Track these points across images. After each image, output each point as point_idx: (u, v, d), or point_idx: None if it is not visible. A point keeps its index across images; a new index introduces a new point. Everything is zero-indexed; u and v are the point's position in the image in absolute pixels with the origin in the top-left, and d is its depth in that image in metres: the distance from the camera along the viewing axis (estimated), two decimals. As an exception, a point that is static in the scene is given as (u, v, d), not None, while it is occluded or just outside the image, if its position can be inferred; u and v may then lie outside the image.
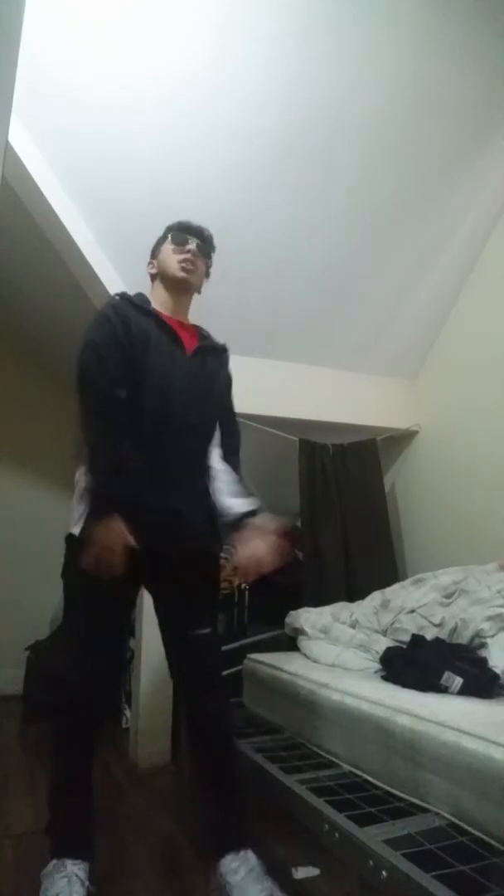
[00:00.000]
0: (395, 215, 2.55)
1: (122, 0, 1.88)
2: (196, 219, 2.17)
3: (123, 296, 1.53)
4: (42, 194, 2.13)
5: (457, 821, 1.05)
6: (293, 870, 1.44)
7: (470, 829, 1.02)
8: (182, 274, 1.51)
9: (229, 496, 1.47)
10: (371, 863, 0.97)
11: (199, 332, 1.58)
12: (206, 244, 1.57)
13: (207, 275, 1.61)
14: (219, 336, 1.65)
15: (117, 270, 2.40)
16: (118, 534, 1.23)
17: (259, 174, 2.29)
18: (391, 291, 2.81)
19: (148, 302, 1.53)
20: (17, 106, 1.46)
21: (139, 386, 1.38)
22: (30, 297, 3.15)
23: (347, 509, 2.85)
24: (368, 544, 2.81)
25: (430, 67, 2.18)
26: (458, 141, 2.42)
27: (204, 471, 1.49)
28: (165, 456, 1.38)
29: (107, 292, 2.40)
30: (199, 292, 1.60)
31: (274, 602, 2.59)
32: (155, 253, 1.59)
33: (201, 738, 1.46)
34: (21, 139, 2.01)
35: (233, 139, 2.19)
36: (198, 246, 1.54)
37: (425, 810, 1.12)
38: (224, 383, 1.60)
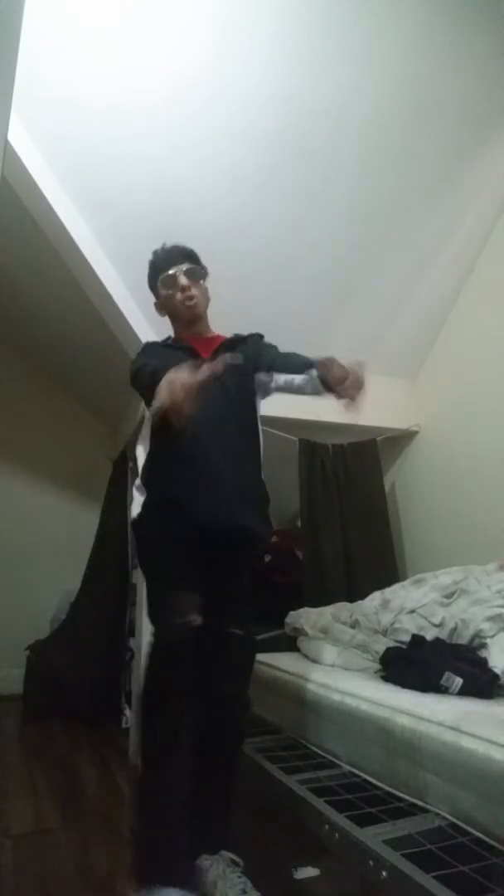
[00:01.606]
0: (395, 215, 2.55)
1: (123, 1, 1.88)
2: (195, 219, 2.18)
3: (148, 343, 1.66)
4: (42, 194, 2.13)
5: (457, 821, 1.05)
6: (293, 870, 1.44)
7: (470, 829, 1.02)
8: (190, 312, 1.55)
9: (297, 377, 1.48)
10: (371, 863, 0.98)
11: (225, 337, 1.61)
12: (193, 264, 1.57)
13: (205, 276, 1.62)
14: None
15: (117, 270, 2.40)
16: (181, 377, 1.20)
17: (259, 175, 2.29)
18: (391, 291, 2.81)
19: (174, 342, 1.60)
20: (17, 107, 1.46)
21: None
22: (30, 297, 3.15)
23: (347, 509, 2.85)
24: (368, 544, 2.81)
25: (430, 68, 2.18)
26: (457, 141, 2.42)
27: (251, 468, 1.52)
28: (207, 457, 1.41)
29: (107, 292, 2.40)
30: (208, 302, 1.62)
31: (274, 602, 2.60)
32: (154, 290, 1.62)
33: (212, 736, 1.34)
34: (21, 140, 2.01)
35: (233, 140, 2.19)
36: (187, 273, 1.54)
37: (425, 810, 1.12)
38: (252, 354, 1.56)
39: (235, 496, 1.42)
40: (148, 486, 1.47)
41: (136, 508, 1.46)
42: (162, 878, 1.13)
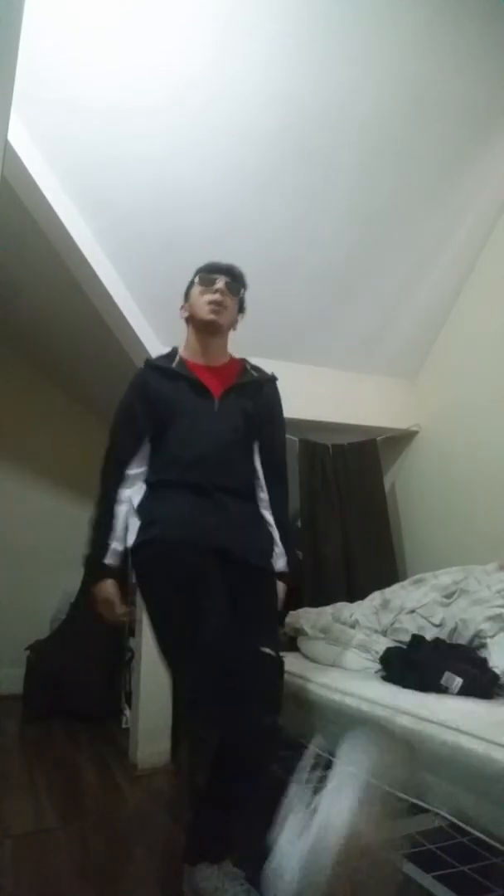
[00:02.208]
0: (395, 215, 2.55)
1: (123, 1, 1.88)
2: (196, 219, 2.18)
3: (147, 363, 1.59)
4: (42, 194, 2.13)
5: (457, 821, 1.05)
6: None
7: (470, 829, 1.02)
8: (210, 316, 1.49)
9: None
10: (371, 863, 0.97)
11: (240, 368, 1.58)
12: (235, 282, 1.54)
13: (242, 311, 1.60)
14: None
15: (117, 270, 2.40)
16: (109, 594, 1.39)
17: (259, 175, 2.29)
18: (391, 291, 2.81)
19: (172, 359, 1.54)
20: (17, 107, 1.46)
21: (167, 438, 1.44)
22: (29, 297, 3.15)
23: (347, 509, 2.85)
24: (368, 544, 2.81)
25: (430, 68, 2.18)
26: (457, 141, 2.42)
27: (250, 500, 1.49)
28: (204, 497, 1.39)
29: (107, 292, 2.40)
30: (233, 329, 1.59)
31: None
32: (186, 297, 1.58)
33: (235, 761, 1.22)
34: (21, 140, 2.01)
35: (233, 140, 2.19)
36: (226, 284, 1.51)
37: (425, 810, 1.12)
38: (265, 415, 1.56)
39: (231, 527, 1.38)
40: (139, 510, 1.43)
41: (131, 536, 1.42)
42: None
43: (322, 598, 2.46)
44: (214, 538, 1.36)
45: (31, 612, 3.57)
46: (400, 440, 3.08)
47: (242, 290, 1.58)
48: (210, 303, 1.48)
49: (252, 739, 1.20)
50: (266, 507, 1.53)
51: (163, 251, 2.36)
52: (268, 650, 1.29)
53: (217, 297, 1.48)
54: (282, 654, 1.36)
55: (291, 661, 1.90)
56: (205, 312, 1.49)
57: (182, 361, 1.53)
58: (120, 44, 1.93)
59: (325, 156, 2.31)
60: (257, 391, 1.56)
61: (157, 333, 2.47)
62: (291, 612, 2.29)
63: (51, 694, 3.04)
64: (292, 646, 2.17)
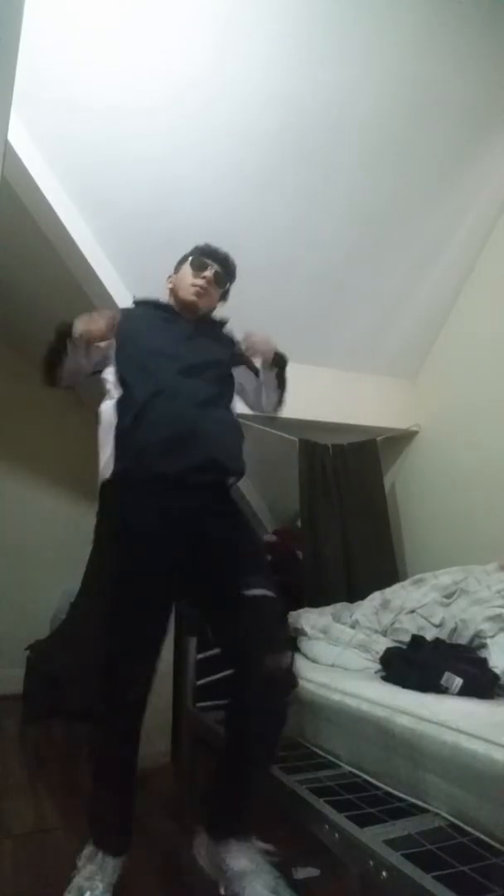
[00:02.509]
0: (395, 215, 2.55)
1: (123, 1, 1.88)
2: (195, 219, 2.18)
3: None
4: (42, 194, 2.13)
5: (457, 821, 1.05)
6: (293, 870, 1.44)
7: (470, 829, 1.02)
8: (192, 297, 1.57)
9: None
10: (371, 863, 0.97)
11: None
12: (226, 273, 1.61)
13: (224, 298, 1.67)
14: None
15: (117, 270, 2.40)
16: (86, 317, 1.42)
17: (259, 175, 2.29)
18: (391, 291, 2.81)
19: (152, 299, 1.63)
20: (17, 107, 1.46)
21: (136, 356, 1.46)
22: (30, 296, 3.15)
23: (347, 509, 2.85)
24: (368, 544, 2.81)
25: (430, 68, 2.18)
26: (457, 141, 2.42)
27: (225, 418, 1.50)
28: (177, 400, 1.39)
29: (107, 292, 2.40)
30: (211, 310, 1.65)
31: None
32: (176, 269, 1.65)
33: (256, 705, 1.27)
34: (21, 139, 2.01)
35: (233, 140, 2.19)
36: (216, 273, 1.58)
37: (425, 810, 1.12)
38: (228, 348, 1.62)
39: (201, 435, 1.38)
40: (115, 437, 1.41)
41: (104, 471, 1.40)
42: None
43: (322, 598, 2.46)
44: (194, 458, 1.36)
45: (31, 612, 3.57)
46: (400, 440, 3.08)
47: (229, 283, 1.65)
48: (194, 285, 1.56)
49: (277, 674, 1.26)
50: None
51: (163, 251, 2.34)
52: (257, 591, 1.31)
53: (203, 283, 1.56)
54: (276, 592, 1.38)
55: (291, 661, 1.90)
56: (188, 293, 1.57)
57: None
58: (120, 44, 1.93)
59: (325, 156, 2.31)
60: (220, 326, 1.67)
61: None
62: (291, 613, 2.29)
63: (51, 694, 3.03)
64: (292, 646, 2.17)
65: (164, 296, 1.67)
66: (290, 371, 2.72)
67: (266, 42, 2.02)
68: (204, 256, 1.58)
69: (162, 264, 2.37)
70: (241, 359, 1.61)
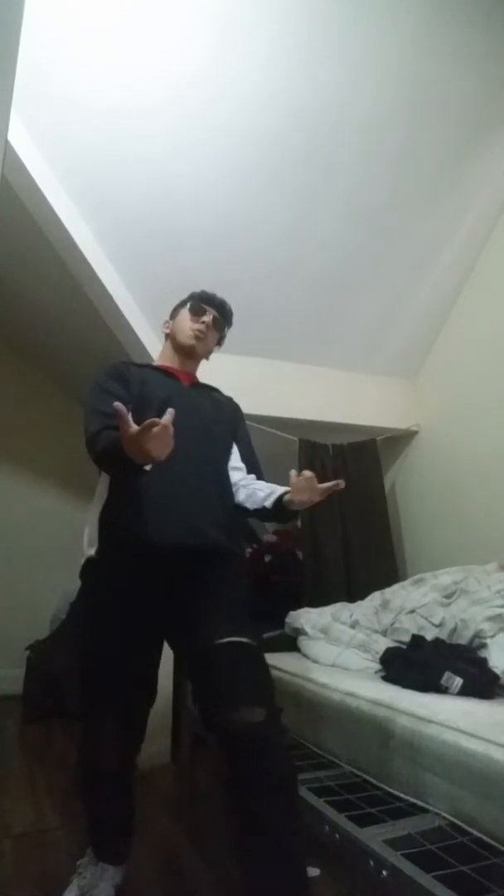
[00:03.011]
0: (394, 216, 2.55)
1: (123, 1, 1.88)
2: (195, 219, 2.18)
3: (121, 361, 1.59)
4: (42, 194, 2.13)
5: (457, 821, 1.05)
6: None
7: (470, 829, 1.02)
8: (192, 341, 1.56)
9: (264, 488, 1.50)
10: (371, 863, 0.97)
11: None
12: (223, 318, 1.61)
13: (220, 343, 1.66)
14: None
15: (117, 270, 2.40)
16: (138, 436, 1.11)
17: (259, 175, 2.29)
18: (391, 291, 2.81)
19: (145, 363, 1.61)
20: (17, 107, 1.46)
21: (140, 414, 1.37)
22: (30, 297, 3.15)
23: (347, 509, 2.85)
24: (368, 544, 2.81)
25: (430, 68, 2.18)
26: (457, 141, 2.42)
27: (216, 488, 1.46)
28: (171, 476, 1.34)
29: (107, 292, 2.40)
30: (206, 359, 1.65)
31: (274, 602, 2.60)
32: (173, 315, 1.64)
33: (241, 778, 1.12)
34: (21, 140, 2.01)
35: (233, 140, 2.19)
36: (214, 319, 1.59)
37: (425, 810, 1.12)
38: (234, 417, 1.62)
39: (194, 509, 1.36)
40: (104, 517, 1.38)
41: (88, 548, 1.38)
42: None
43: (322, 598, 2.46)
44: (181, 536, 1.33)
45: (31, 612, 3.57)
46: (400, 440, 3.08)
47: (226, 329, 1.65)
48: (194, 330, 1.56)
49: (246, 734, 1.10)
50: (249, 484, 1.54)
51: (163, 251, 2.37)
52: (234, 638, 1.20)
53: (202, 328, 1.56)
54: (255, 639, 1.26)
55: (291, 661, 1.90)
56: (187, 337, 1.56)
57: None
58: (120, 44, 1.93)
59: (325, 156, 2.31)
60: (222, 398, 1.65)
61: (157, 333, 2.47)
62: (291, 613, 2.30)
63: (51, 694, 3.03)
64: (292, 646, 2.17)
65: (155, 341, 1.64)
66: (291, 371, 2.75)
67: (266, 42, 2.02)
68: (202, 302, 1.59)
69: (162, 264, 2.38)
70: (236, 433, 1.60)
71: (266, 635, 2.35)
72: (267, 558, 3.00)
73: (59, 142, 2.08)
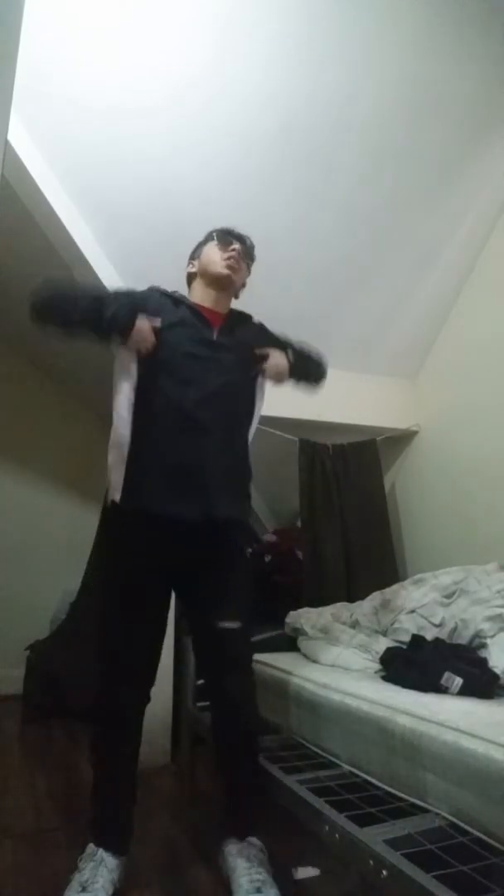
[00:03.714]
0: (394, 216, 2.55)
1: (123, 1, 1.88)
2: (195, 219, 2.18)
3: (153, 287, 1.60)
4: (42, 194, 2.13)
5: (457, 821, 1.05)
6: (293, 870, 1.44)
7: (470, 829, 1.02)
8: (226, 270, 1.55)
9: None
10: (371, 863, 0.97)
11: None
12: (248, 250, 1.62)
13: (244, 283, 1.66)
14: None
15: (117, 270, 2.40)
16: (145, 328, 1.42)
17: (259, 175, 2.29)
18: (391, 291, 2.81)
19: (183, 296, 1.59)
20: (17, 107, 1.46)
21: (161, 369, 1.45)
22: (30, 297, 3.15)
23: (347, 509, 2.85)
24: (368, 544, 2.81)
25: (430, 68, 2.18)
26: (457, 141, 2.42)
27: (235, 459, 1.50)
28: (194, 435, 1.41)
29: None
30: (236, 297, 1.65)
31: (274, 602, 2.60)
32: (196, 254, 1.64)
33: (224, 725, 1.45)
34: (21, 139, 2.02)
35: (233, 140, 2.19)
36: (243, 249, 1.59)
37: (425, 810, 1.12)
38: (264, 339, 1.63)
39: (209, 480, 1.40)
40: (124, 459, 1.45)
41: (114, 491, 1.44)
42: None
43: (322, 598, 2.46)
44: (198, 506, 1.38)
45: (31, 612, 3.57)
46: (400, 440, 3.08)
47: (251, 262, 1.65)
48: (227, 258, 1.55)
49: (232, 709, 1.42)
50: None
51: (163, 251, 2.36)
52: (228, 624, 1.40)
53: (234, 254, 1.56)
54: (246, 622, 1.46)
55: (291, 661, 1.90)
56: (221, 267, 1.55)
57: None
58: (120, 44, 1.93)
59: (325, 156, 2.31)
60: (246, 323, 1.65)
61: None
62: (291, 613, 2.29)
63: (51, 694, 3.03)
64: (292, 646, 2.17)
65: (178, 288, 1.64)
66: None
67: (266, 42, 2.02)
68: (227, 234, 1.59)
69: (162, 264, 2.37)
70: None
71: (266, 635, 2.35)
72: (267, 558, 3.00)
73: (59, 142, 2.08)
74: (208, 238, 1.62)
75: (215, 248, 1.57)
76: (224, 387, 1.46)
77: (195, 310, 1.53)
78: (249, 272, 1.66)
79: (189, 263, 1.64)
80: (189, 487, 1.38)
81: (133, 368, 1.48)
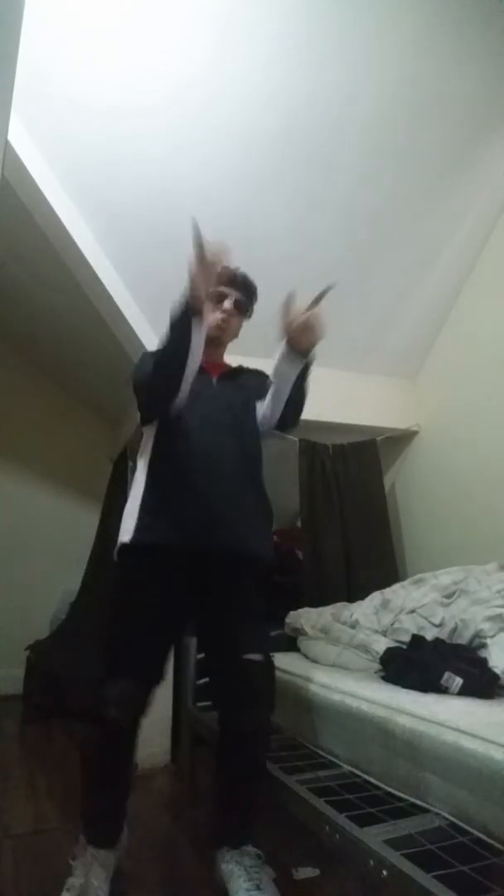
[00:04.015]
0: (394, 215, 2.55)
1: (123, 1, 1.88)
2: (196, 219, 2.17)
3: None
4: (42, 194, 2.13)
5: (457, 821, 1.05)
6: (293, 870, 1.44)
7: (470, 829, 1.02)
8: (215, 332, 1.53)
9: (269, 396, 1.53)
10: (371, 863, 0.97)
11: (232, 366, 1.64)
12: (247, 297, 1.58)
13: (248, 317, 1.64)
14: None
15: (117, 270, 2.40)
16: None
17: (259, 175, 2.29)
18: (391, 291, 2.81)
19: None
20: (17, 107, 1.46)
21: (175, 419, 1.44)
22: (30, 296, 3.15)
23: (347, 509, 2.85)
24: (368, 544, 2.81)
25: (430, 68, 2.18)
26: (457, 141, 2.42)
27: (254, 489, 1.50)
28: (205, 475, 1.40)
29: (107, 292, 2.40)
30: (235, 337, 1.64)
31: (274, 602, 2.59)
32: None
33: (234, 759, 1.40)
34: (21, 139, 2.01)
35: (233, 140, 2.19)
36: (236, 302, 1.56)
37: (425, 810, 1.12)
38: (258, 397, 1.60)
39: (230, 513, 1.39)
40: (140, 504, 1.41)
41: (124, 534, 1.41)
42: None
43: (322, 598, 2.46)
44: (207, 537, 1.37)
45: (31, 612, 3.58)
46: (400, 440, 3.08)
47: (251, 307, 1.62)
48: (216, 319, 1.53)
49: (246, 743, 1.36)
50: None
51: (163, 251, 2.36)
52: (253, 656, 1.35)
53: (224, 316, 1.54)
54: (271, 653, 1.42)
55: (291, 661, 1.90)
56: (210, 328, 1.50)
57: None
58: (120, 44, 1.93)
59: (325, 156, 2.31)
60: (251, 373, 1.65)
61: (157, 333, 2.47)
62: (291, 613, 2.30)
63: (51, 694, 3.03)
64: (292, 646, 2.17)
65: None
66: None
67: (266, 42, 2.02)
68: (221, 286, 1.52)
69: (162, 264, 2.37)
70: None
71: (266, 635, 2.35)
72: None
73: (59, 142, 2.08)
74: None
75: (208, 305, 1.52)
76: (233, 427, 1.48)
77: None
78: (250, 314, 1.62)
79: None
80: (207, 518, 1.37)
81: (150, 435, 1.50)
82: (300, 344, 1.45)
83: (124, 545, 1.39)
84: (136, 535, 1.37)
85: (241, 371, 1.64)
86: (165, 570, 1.37)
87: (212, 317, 1.51)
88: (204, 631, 1.51)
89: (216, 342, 1.57)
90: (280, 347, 1.47)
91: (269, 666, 1.41)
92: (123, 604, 1.42)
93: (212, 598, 1.41)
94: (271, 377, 1.52)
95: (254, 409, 1.57)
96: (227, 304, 1.54)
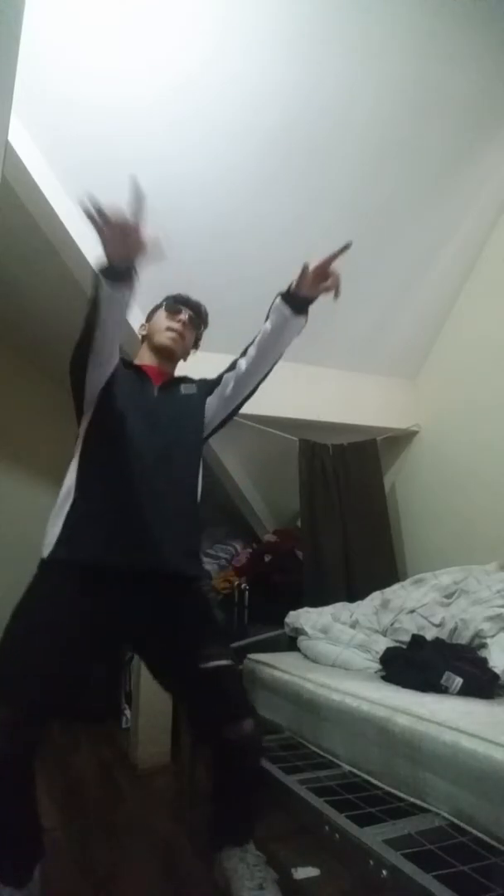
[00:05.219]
0: (394, 215, 2.55)
1: (123, 1, 1.88)
2: (196, 219, 2.18)
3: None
4: (42, 194, 2.13)
5: (457, 821, 1.05)
6: (293, 870, 1.44)
7: (470, 829, 1.02)
8: (168, 342, 1.57)
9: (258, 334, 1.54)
10: (371, 863, 0.97)
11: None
12: (198, 318, 1.63)
13: (196, 346, 1.67)
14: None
15: (117, 270, 2.40)
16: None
17: (259, 175, 2.29)
18: (391, 291, 2.81)
19: (130, 361, 1.59)
20: (17, 106, 1.46)
21: (108, 421, 1.43)
22: (29, 296, 3.15)
23: (347, 509, 2.85)
24: (368, 544, 2.81)
25: (430, 67, 2.18)
26: (457, 141, 2.42)
27: (182, 511, 1.44)
28: (138, 487, 1.36)
29: (107, 292, 2.40)
30: (184, 360, 1.66)
31: (274, 602, 2.60)
32: (149, 317, 1.65)
33: (229, 772, 1.38)
34: (21, 139, 2.01)
35: (233, 140, 2.19)
36: (190, 318, 1.60)
37: (425, 810, 1.12)
38: (199, 406, 1.58)
39: (162, 532, 1.35)
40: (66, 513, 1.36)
41: (45, 548, 1.36)
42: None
43: (322, 598, 2.45)
44: (141, 559, 1.32)
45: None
46: (400, 440, 3.08)
47: (202, 328, 1.66)
48: (169, 329, 1.57)
49: (236, 753, 1.33)
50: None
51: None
52: (217, 662, 1.33)
53: (178, 326, 1.57)
54: (233, 658, 1.39)
55: (291, 661, 1.90)
56: (164, 338, 1.57)
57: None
58: (120, 43, 1.93)
59: (326, 156, 2.31)
60: (194, 383, 1.63)
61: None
62: (291, 613, 2.29)
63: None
64: (292, 646, 2.17)
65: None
66: (291, 371, 2.73)
67: (266, 41, 2.02)
68: (177, 303, 1.60)
69: (161, 264, 2.37)
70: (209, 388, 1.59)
71: (266, 635, 2.35)
72: (267, 558, 3.00)
73: (59, 141, 2.08)
74: (161, 303, 1.63)
75: (163, 317, 1.59)
76: (167, 441, 1.44)
77: (140, 369, 1.56)
78: (198, 343, 1.67)
79: (142, 325, 1.67)
80: (133, 538, 1.32)
81: (82, 434, 1.49)
82: (311, 290, 1.55)
83: (43, 561, 1.35)
84: (57, 549, 1.32)
85: (184, 380, 1.62)
86: (90, 591, 1.30)
87: (166, 326, 1.56)
88: (154, 656, 1.44)
89: (168, 353, 1.59)
90: (276, 303, 1.56)
91: (236, 670, 1.41)
92: (29, 619, 1.33)
93: (152, 621, 1.34)
94: (266, 328, 1.54)
95: (197, 416, 1.56)
96: (183, 316, 1.59)
